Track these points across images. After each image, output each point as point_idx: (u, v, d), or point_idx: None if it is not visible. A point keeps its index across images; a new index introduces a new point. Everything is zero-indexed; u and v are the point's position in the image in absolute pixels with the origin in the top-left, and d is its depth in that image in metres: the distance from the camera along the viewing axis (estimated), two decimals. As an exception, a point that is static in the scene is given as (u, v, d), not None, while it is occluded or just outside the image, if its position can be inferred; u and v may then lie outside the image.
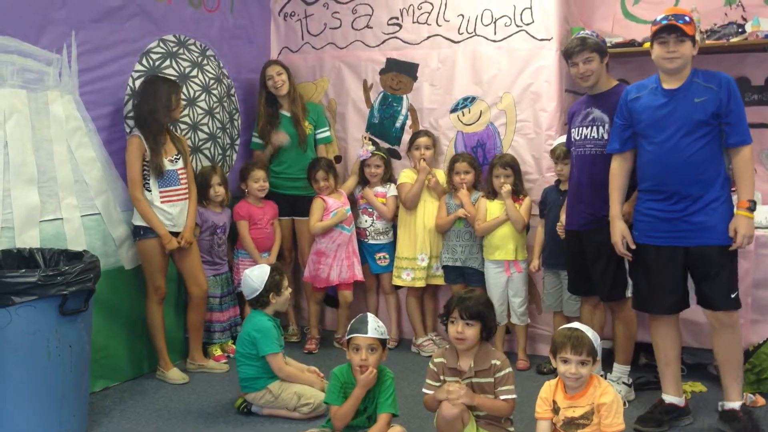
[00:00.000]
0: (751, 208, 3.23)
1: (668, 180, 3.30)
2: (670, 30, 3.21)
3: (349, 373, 3.20)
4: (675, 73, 3.28)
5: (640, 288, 3.51)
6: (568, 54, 3.71)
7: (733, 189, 3.35)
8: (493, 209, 4.36)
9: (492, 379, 3.02)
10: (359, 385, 3.14)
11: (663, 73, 3.33)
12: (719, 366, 3.46)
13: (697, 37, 3.33)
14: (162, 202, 4.01)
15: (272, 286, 3.73)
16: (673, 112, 3.27)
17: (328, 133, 4.96)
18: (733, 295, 3.31)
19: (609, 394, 2.86)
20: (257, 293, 3.71)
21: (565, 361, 2.85)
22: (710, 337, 3.46)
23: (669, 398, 3.51)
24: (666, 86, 3.31)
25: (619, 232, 3.48)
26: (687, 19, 3.23)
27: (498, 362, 3.03)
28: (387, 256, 4.78)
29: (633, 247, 3.45)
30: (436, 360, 3.14)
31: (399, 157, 4.87)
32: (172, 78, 4.23)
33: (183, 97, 4.41)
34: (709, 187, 3.25)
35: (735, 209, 3.28)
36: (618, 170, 3.52)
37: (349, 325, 3.23)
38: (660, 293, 3.41)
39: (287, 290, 3.83)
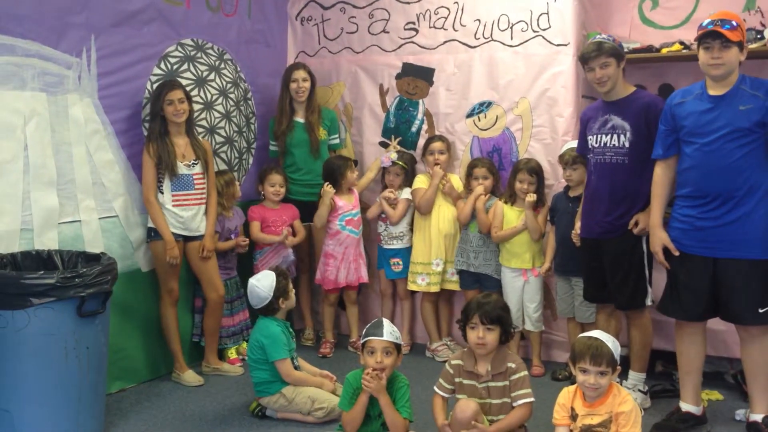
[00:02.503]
0: None
1: (707, 183, 3.24)
2: (714, 36, 3.16)
3: (361, 378, 3.19)
4: (720, 80, 3.22)
5: (668, 293, 3.47)
6: (584, 59, 3.68)
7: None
8: (510, 215, 4.35)
9: (507, 383, 3.02)
10: (363, 390, 3.15)
11: (709, 78, 3.28)
12: (747, 377, 3.43)
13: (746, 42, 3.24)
14: (174, 206, 4.03)
15: (280, 291, 3.73)
16: (718, 118, 3.21)
17: (338, 140, 4.98)
18: (762, 310, 3.23)
19: (628, 403, 2.84)
20: (267, 301, 3.71)
21: (584, 371, 2.84)
22: (736, 346, 3.42)
23: (686, 406, 3.49)
24: (711, 92, 3.26)
25: (659, 241, 3.43)
26: (734, 24, 3.16)
27: (513, 365, 3.04)
28: (401, 262, 4.76)
29: (676, 254, 3.38)
30: (454, 362, 3.15)
31: (415, 162, 4.86)
32: (175, 79, 4.21)
33: (200, 100, 4.45)
34: (748, 197, 3.19)
35: None
36: (661, 177, 3.46)
37: (364, 330, 3.24)
38: (686, 300, 3.38)
39: (292, 292, 3.87)
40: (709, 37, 3.18)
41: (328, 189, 4.61)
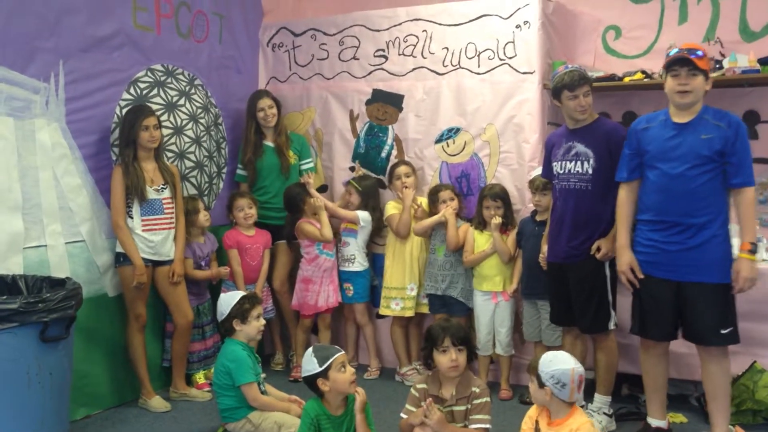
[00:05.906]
0: (753, 250, 3.28)
1: (669, 209, 3.34)
2: (682, 63, 3.25)
3: (320, 405, 3.18)
4: (686, 108, 3.31)
5: (636, 315, 3.55)
6: (570, 87, 3.65)
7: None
8: (480, 241, 4.40)
9: (469, 406, 3.04)
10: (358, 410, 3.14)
11: (674, 106, 3.37)
12: (707, 397, 3.48)
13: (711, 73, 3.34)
14: (144, 230, 4.03)
15: (237, 312, 3.69)
16: (681, 144, 3.31)
17: (312, 164, 5.01)
18: (724, 331, 3.32)
19: (585, 425, 2.87)
20: (223, 317, 3.72)
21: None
22: (700, 369, 3.48)
23: (655, 422, 3.55)
24: (676, 119, 3.35)
25: (626, 261, 3.49)
26: (700, 53, 3.27)
27: (477, 389, 3.06)
28: (351, 287, 4.79)
29: (641, 276, 3.45)
30: (419, 386, 3.16)
31: (385, 187, 4.90)
32: (148, 105, 4.23)
33: (170, 125, 4.46)
34: (710, 223, 3.29)
35: (738, 251, 3.30)
36: (625, 199, 3.54)
37: (317, 357, 3.15)
38: (652, 320, 3.46)
39: (258, 321, 3.74)
40: (677, 63, 3.27)
41: (317, 202, 4.61)
